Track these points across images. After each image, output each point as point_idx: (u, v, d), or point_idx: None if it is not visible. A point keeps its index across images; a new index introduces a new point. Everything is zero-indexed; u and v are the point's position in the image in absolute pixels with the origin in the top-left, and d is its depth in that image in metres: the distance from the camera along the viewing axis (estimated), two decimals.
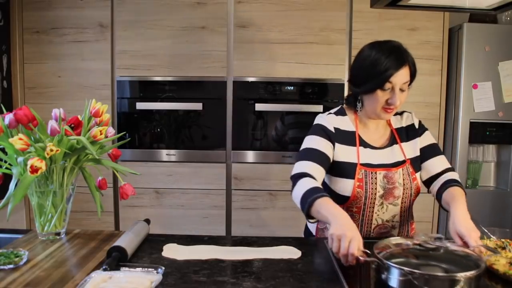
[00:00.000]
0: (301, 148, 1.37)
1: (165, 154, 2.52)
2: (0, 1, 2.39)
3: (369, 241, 1.10)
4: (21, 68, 2.51)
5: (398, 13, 2.44)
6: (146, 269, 1.01)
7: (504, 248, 1.15)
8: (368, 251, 1.00)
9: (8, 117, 1.16)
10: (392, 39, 1.32)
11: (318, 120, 1.42)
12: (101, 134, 1.22)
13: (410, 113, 1.47)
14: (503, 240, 1.19)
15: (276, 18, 2.45)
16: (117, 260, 1.04)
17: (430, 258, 0.99)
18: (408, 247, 1.03)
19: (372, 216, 1.36)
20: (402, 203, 1.37)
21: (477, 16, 2.55)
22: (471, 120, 2.48)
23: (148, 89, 2.49)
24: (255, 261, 1.12)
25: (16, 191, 1.13)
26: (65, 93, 2.50)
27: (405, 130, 1.43)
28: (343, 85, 2.47)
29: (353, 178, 1.33)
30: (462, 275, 0.87)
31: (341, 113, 1.42)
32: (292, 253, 1.18)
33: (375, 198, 1.34)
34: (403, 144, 1.40)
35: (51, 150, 1.12)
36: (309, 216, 1.21)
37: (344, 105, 1.45)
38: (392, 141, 1.41)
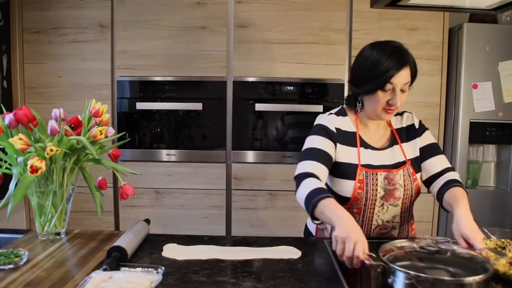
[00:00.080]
0: (303, 148, 1.37)
1: (165, 154, 2.52)
2: (0, 1, 2.39)
3: (369, 241, 1.09)
4: (21, 68, 2.51)
5: (398, 13, 2.44)
6: (146, 269, 1.01)
7: (504, 248, 1.14)
8: (374, 255, 0.98)
9: (8, 117, 1.16)
10: (393, 40, 1.31)
11: (319, 120, 1.41)
12: (101, 134, 1.22)
13: (410, 113, 1.47)
14: (503, 240, 1.19)
15: (276, 18, 2.45)
16: (117, 260, 1.04)
17: (436, 261, 0.97)
18: (414, 250, 1.01)
19: (373, 217, 1.36)
20: (402, 203, 1.37)
21: (477, 16, 2.55)
22: (471, 120, 2.48)
23: (148, 89, 2.49)
24: (255, 261, 1.12)
25: (16, 191, 1.13)
26: (65, 93, 2.50)
27: (405, 130, 1.43)
28: (343, 85, 2.47)
29: (353, 179, 1.33)
30: (470, 279, 0.85)
31: (341, 113, 1.42)
32: (292, 253, 1.18)
33: (375, 199, 1.34)
34: (404, 145, 1.40)
35: (51, 150, 1.12)
36: (313, 217, 1.19)
37: (345, 105, 1.45)
38: (392, 142, 1.40)
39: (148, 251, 1.18)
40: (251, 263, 1.11)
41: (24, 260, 1.07)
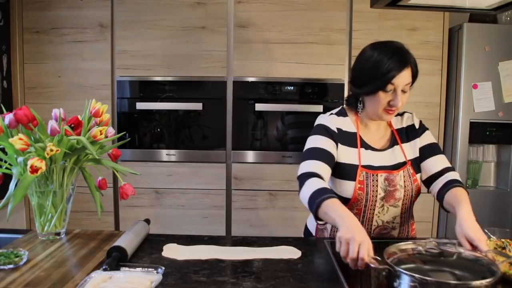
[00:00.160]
0: (305, 148, 1.36)
1: (165, 154, 2.52)
2: (0, 1, 2.39)
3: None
4: (21, 68, 2.51)
5: (398, 13, 2.44)
6: (146, 269, 1.01)
7: (504, 248, 1.14)
8: (379, 258, 0.96)
9: (8, 117, 1.16)
10: (393, 40, 1.31)
11: (320, 120, 1.41)
12: (101, 134, 1.22)
13: (411, 113, 1.47)
14: (503, 240, 1.19)
15: (276, 18, 2.45)
16: (117, 260, 1.04)
17: (442, 264, 0.96)
18: (419, 252, 1.00)
19: (373, 217, 1.36)
20: (402, 204, 1.37)
21: (477, 16, 2.55)
22: (471, 120, 2.48)
23: (148, 89, 2.49)
24: (255, 261, 1.12)
25: (16, 191, 1.13)
26: (65, 93, 2.50)
27: (405, 130, 1.43)
28: (343, 85, 2.47)
29: (354, 180, 1.33)
30: (477, 283, 0.83)
31: (342, 114, 1.42)
32: (292, 253, 1.18)
33: (375, 200, 1.34)
34: (404, 145, 1.40)
35: (51, 150, 1.12)
36: (317, 217, 1.18)
37: (345, 105, 1.45)
38: (392, 142, 1.40)
39: (148, 251, 1.18)
40: (251, 263, 1.11)
41: (24, 260, 1.07)
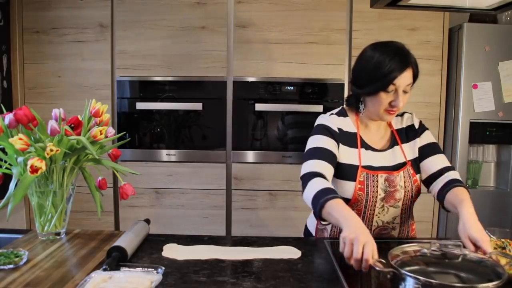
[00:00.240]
0: (306, 149, 1.35)
1: (165, 154, 2.52)
2: (0, 1, 2.39)
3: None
4: (21, 68, 2.51)
5: (398, 13, 2.44)
6: (146, 269, 1.01)
7: (504, 248, 1.14)
8: (383, 260, 0.95)
9: (8, 117, 1.16)
10: (394, 40, 1.31)
11: (321, 120, 1.40)
12: (101, 134, 1.22)
13: (411, 114, 1.46)
14: (503, 240, 1.19)
15: (276, 18, 2.45)
16: (117, 260, 1.04)
17: (446, 266, 0.95)
18: (423, 254, 0.99)
19: (373, 218, 1.36)
20: (402, 205, 1.37)
21: (477, 16, 2.55)
22: (471, 120, 2.48)
23: (148, 89, 2.49)
24: (255, 261, 1.12)
25: (16, 191, 1.13)
26: (65, 93, 2.50)
27: (405, 131, 1.43)
28: (343, 85, 2.47)
29: (354, 180, 1.33)
30: (484, 286, 0.82)
31: (342, 114, 1.42)
32: (292, 253, 1.18)
33: (376, 201, 1.33)
34: (404, 146, 1.40)
35: (51, 150, 1.12)
36: (321, 218, 1.18)
37: (345, 106, 1.45)
38: (393, 143, 1.40)
39: (148, 251, 1.18)
40: (251, 263, 1.11)
41: (24, 260, 1.07)
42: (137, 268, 1.01)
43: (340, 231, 1.05)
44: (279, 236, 1.34)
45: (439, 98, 2.51)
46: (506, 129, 2.49)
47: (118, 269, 1.00)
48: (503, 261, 1.03)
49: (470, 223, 1.10)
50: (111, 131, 1.29)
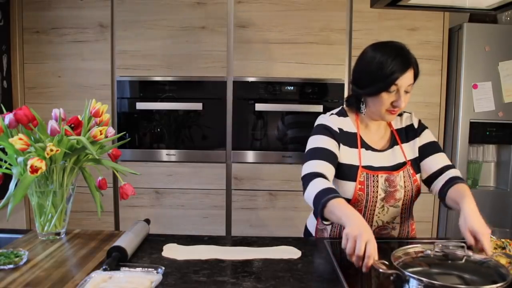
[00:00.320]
0: (307, 149, 1.35)
1: (165, 154, 2.52)
2: (0, 1, 2.39)
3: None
4: (21, 68, 2.51)
5: (398, 13, 2.43)
6: (146, 269, 1.01)
7: (504, 248, 1.14)
8: (386, 262, 0.95)
9: (8, 117, 1.16)
10: (394, 40, 1.31)
11: (321, 120, 1.40)
12: (101, 134, 1.22)
13: (410, 113, 1.47)
14: (503, 240, 1.19)
15: (276, 18, 2.45)
16: (117, 260, 1.04)
17: (450, 267, 0.95)
18: (427, 255, 0.99)
19: (373, 218, 1.36)
20: (402, 204, 1.37)
21: (477, 16, 2.55)
22: (471, 120, 2.48)
23: (148, 89, 2.49)
24: (255, 261, 1.12)
25: (16, 191, 1.13)
26: (65, 93, 2.50)
27: (405, 131, 1.43)
28: (343, 85, 2.47)
29: (354, 180, 1.33)
30: None
31: (342, 114, 1.42)
32: (292, 253, 1.18)
33: (376, 201, 1.34)
34: (404, 145, 1.40)
35: (51, 150, 1.12)
36: (323, 217, 1.18)
37: (345, 106, 1.45)
38: (392, 143, 1.40)
39: (148, 251, 1.18)
40: (251, 263, 1.11)
41: (24, 260, 1.07)
42: (137, 268, 1.01)
43: (340, 231, 1.05)
44: (279, 236, 1.34)
45: (439, 98, 2.51)
46: (506, 129, 2.49)
47: (118, 269, 1.00)
48: (503, 261, 1.03)
49: (471, 217, 1.10)
50: (111, 131, 1.29)
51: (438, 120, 2.52)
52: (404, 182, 1.35)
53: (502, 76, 2.46)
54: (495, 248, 1.13)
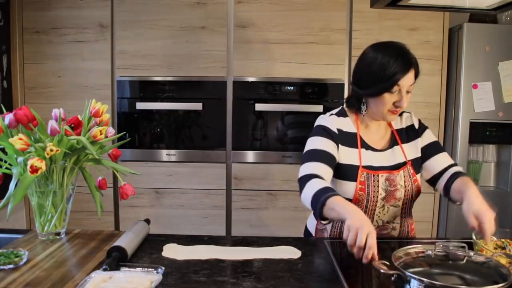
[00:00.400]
0: (305, 150, 1.35)
1: (165, 154, 2.52)
2: (0, 1, 2.39)
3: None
4: (21, 68, 2.51)
5: (398, 13, 2.44)
6: (146, 269, 1.01)
7: (504, 248, 1.14)
8: (387, 262, 0.95)
9: (8, 117, 1.16)
10: (394, 40, 1.31)
11: (320, 121, 1.40)
12: (101, 134, 1.22)
13: (409, 113, 1.47)
14: (503, 240, 1.19)
15: (276, 18, 2.45)
16: (117, 260, 1.04)
17: (451, 267, 0.95)
18: (428, 255, 0.99)
19: (373, 217, 1.36)
20: (403, 204, 1.37)
21: (477, 16, 2.54)
22: (471, 120, 2.48)
23: (148, 89, 2.49)
24: (255, 261, 1.12)
25: (16, 191, 1.13)
26: (65, 93, 2.50)
27: (405, 131, 1.43)
28: (343, 85, 2.47)
29: (355, 180, 1.33)
30: None
31: (342, 114, 1.42)
32: (292, 253, 1.18)
33: (376, 201, 1.34)
34: (404, 145, 1.40)
35: (51, 150, 1.12)
36: (321, 217, 1.18)
37: (345, 106, 1.45)
38: (392, 143, 1.40)
39: (148, 251, 1.18)
40: (251, 263, 1.11)
41: (24, 260, 1.07)
42: (137, 268, 1.01)
43: (341, 231, 1.05)
44: (279, 236, 1.34)
45: (439, 98, 2.51)
46: (506, 129, 2.49)
47: (118, 269, 1.00)
48: (503, 261, 1.03)
49: (475, 200, 1.13)
50: (111, 131, 1.29)
51: (438, 120, 2.52)
52: (405, 181, 1.35)
53: (502, 76, 2.46)
54: (495, 248, 1.13)
